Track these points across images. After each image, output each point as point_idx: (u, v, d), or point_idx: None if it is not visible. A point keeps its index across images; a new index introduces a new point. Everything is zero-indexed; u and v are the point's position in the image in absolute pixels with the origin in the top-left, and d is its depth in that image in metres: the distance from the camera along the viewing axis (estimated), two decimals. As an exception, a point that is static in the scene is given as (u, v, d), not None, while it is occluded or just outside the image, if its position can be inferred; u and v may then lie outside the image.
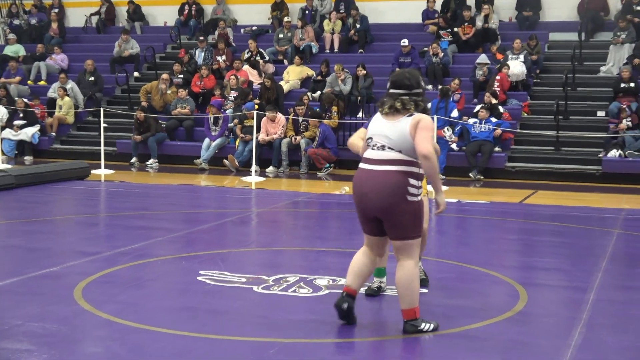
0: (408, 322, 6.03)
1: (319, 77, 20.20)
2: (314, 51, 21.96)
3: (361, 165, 6.14)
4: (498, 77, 18.39)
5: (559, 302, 7.21)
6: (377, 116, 6.20)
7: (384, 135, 6.03)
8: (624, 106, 17.01)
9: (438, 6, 22.37)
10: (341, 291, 6.27)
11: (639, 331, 6.24)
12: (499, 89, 18.19)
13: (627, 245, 10.02)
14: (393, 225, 5.98)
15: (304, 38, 22.10)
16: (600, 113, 18.16)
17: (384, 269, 7.08)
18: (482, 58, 19.32)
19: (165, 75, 20.51)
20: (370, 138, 6.11)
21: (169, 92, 20.23)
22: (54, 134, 20.66)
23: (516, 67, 18.84)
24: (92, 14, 26.13)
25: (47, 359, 5.38)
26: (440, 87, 17.94)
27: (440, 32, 21.04)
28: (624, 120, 16.76)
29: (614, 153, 16.46)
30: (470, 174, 16.54)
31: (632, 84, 17.61)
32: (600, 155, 16.77)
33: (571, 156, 17.22)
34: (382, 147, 6.02)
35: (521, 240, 10.71)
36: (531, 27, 21.54)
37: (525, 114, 18.55)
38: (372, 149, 6.07)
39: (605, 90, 18.73)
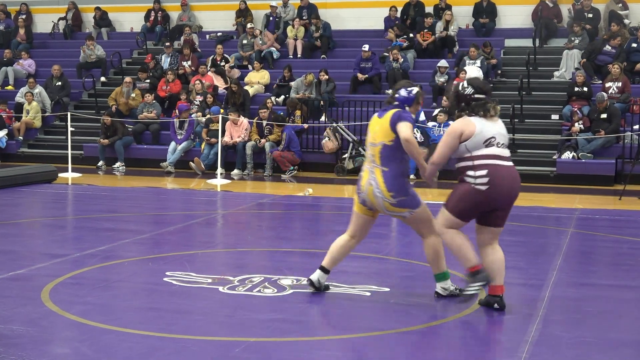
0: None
1: (280, 82, 20.37)
2: (274, 56, 22.15)
3: (500, 162, 6.63)
4: (455, 83, 18.66)
5: (516, 299, 7.24)
6: (480, 119, 6.65)
7: (502, 135, 6.69)
8: (576, 109, 17.31)
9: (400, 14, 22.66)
10: (497, 295, 6.71)
11: (593, 327, 6.37)
12: (456, 93, 18.45)
13: (581, 244, 10.14)
14: (509, 211, 6.77)
15: (265, 43, 22.28)
16: (554, 116, 18.50)
17: None
18: (443, 62, 19.70)
19: (128, 79, 20.57)
20: (493, 137, 6.63)
21: (132, 94, 20.29)
22: (21, 137, 20.62)
23: (472, 72, 19.08)
24: (59, 19, 26.11)
25: (15, 360, 5.41)
26: None
27: (398, 39, 21.30)
28: (577, 123, 17.06)
29: (567, 155, 16.75)
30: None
31: (585, 88, 17.94)
32: (555, 157, 17.09)
33: (526, 158, 17.48)
34: (504, 145, 6.67)
35: (479, 240, 10.83)
36: (487, 34, 21.93)
37: (483, 118, 18.80)
38: (498, 147, 6.65)
39: (558, 94, 19.09)
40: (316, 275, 7.24)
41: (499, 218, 6.72)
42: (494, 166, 6.56)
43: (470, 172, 6.59)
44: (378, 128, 6.92)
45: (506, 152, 6.69)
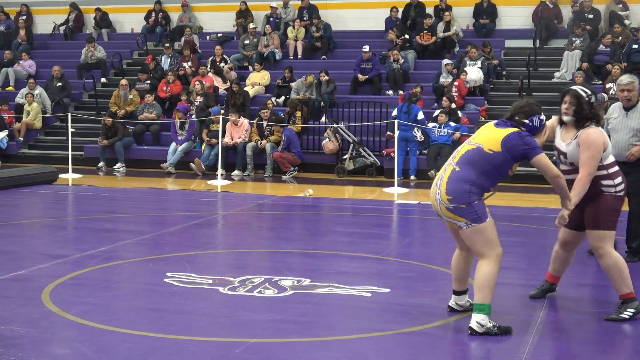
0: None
1: (280, 82, 20.38)
2: (277, 58, 22.16)
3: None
4: (456, 84, 18.69)
5: (516, 300, 7.26)
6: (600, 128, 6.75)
7: None
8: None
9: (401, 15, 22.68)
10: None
11: (593, 328, 6.40)
12: (456, 94, 18.48)
13: (581, 245, 10.05)
14: None
15: (268, 45, 22.29)
16: (555, 117, 18.42)
17: None
18: (447, 61, 19.78)
19: (124, 81, 20.58)
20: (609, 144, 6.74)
21: (130, 96, 20.30)
22: (21, 138, 20.63)
23: (473, 73, 19.10)
24: (61, 24, 26.13)
25: (16, 361, 5.42)
26: (410, 91, 18.16)
27: (396, 39, 21.29)
28: (577, 124, 17.03)
29: (568, 156, 16.73)
30: (428, 173, 16.65)
31: (584, 89, 17.93)
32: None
33: (527, 158, 17.41)
34: None
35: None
36: (488, 35, 21.96)
37: (483, 119, 18.81)
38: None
39: (559, 95, 18.97)
40: (452, 300, 6.75)
41: None
42: (620, 171, 6.70)
43: (609, 182, 6.61)
44: (488, 133, 6.34)
45: None
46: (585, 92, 6.65)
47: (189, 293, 7.28)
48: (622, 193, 6.64)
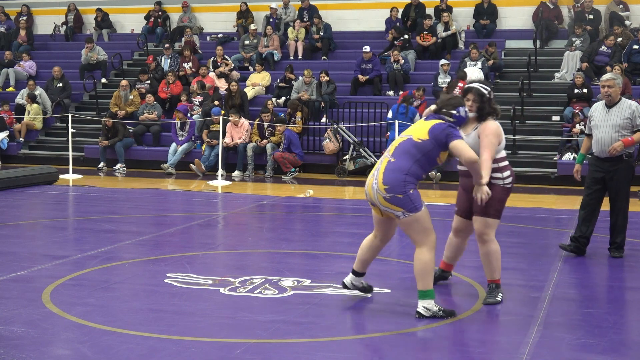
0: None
1: (282, 84, 20.39)
2: (275, 59, 22.15)
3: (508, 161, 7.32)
4: (460, 85, 18.62)
5: (517, 300, 7.24)
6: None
7: None
8: (577, 111, 17.33)
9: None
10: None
11: (594, 328, 6.39)
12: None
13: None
14: None
15: (268, 45, 22.28)
16: (555, 118, 18.54)
17: None
18: (444, 61, 19.79)
19: (124, 82, 20.58)
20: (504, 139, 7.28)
21: (131, 96, 20.30)
22: (22, 139, 20.64)
23: (473, 73, 19.03)
24: (62, 23, 26.14)
25: (16, 362, 5.42)
26: (412, 92, 18.18)
27: (395, 41, 21.26)
28: (578, 125, 17.06)
29: (568, 156, 16.77)
30: (429, 173, 16.63)
31: (584, 90, 17.97)
32: (556, 158, 17.10)
33: (527, 159, 17.48)
34: None
35: (480, 241, 10.82)
36: (488, 35, 21.97)
37: (483, 119, 18.82)
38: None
39: (559, 95, 19.12)
40: (348, 277, 7.19)
41: None
42: (509, 166, 7.17)
43: (498, 174, 7.05)
44: (417, 125, 6.79)
45: None
46: (486, 89, 7.16)
47: (189, 294, 7.28)
48: (509, 185, 7.11)
